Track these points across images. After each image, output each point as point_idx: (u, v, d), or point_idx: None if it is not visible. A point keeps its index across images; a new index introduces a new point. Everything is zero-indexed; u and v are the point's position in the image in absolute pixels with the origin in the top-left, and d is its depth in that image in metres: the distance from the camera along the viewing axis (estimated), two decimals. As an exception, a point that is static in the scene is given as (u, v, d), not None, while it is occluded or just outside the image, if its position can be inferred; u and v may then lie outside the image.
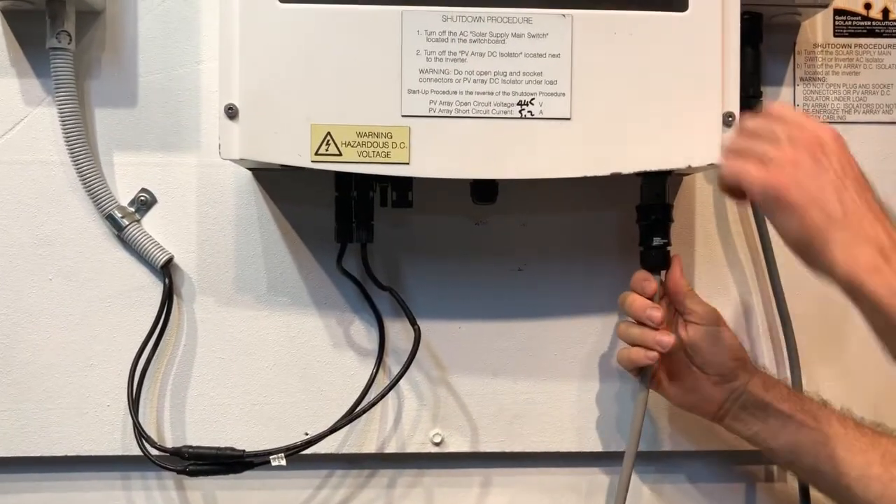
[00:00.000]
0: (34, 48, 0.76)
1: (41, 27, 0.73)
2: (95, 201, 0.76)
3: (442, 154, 0.65)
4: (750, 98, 0.77)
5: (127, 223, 0.76)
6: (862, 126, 0.82)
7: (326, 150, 0.65)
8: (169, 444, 0.77)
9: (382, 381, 0.78)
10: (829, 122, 0.81)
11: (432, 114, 0.65)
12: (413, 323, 0.76)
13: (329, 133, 0.65)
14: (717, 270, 0.81)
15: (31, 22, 0.75)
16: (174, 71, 0.78)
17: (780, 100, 0.82)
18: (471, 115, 0.65)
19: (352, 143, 0.65)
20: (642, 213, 0.74)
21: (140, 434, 0.74)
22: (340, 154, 0.65)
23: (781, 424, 0.69)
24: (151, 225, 0.78)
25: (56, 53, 0.73)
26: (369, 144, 0.65)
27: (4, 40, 0.77)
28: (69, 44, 0.73)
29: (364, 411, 0.76)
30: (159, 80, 0.78)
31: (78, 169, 0.75)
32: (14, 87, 0.77)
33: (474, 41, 0.65)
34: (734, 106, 0.67)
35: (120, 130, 0.78)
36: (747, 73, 0.75)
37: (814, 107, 0.82)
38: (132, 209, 0.78)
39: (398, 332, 0.79)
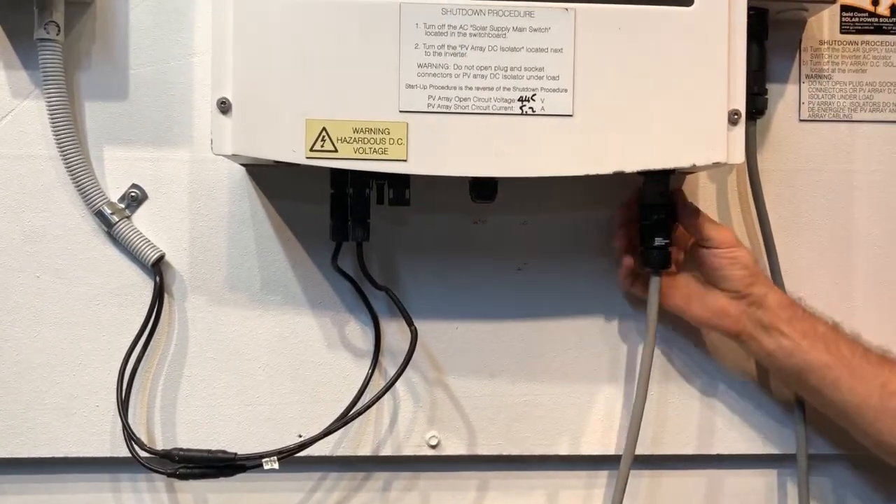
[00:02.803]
0: (22, 39, 0.75)
1: (29, 17, 0.72)
2: (84, 197, 0.75)
3: (440, 151, 0.64)
4: (755, 95, 0.76)
5: (117, 219, 0.75)
6: (868, 125, 0.81)
7: (322, 146, 0.64)
8: (159, 446, 0.76)
9: (378, 383, 0.77)
10: (836, 121, 0.81)
11: (431, 109, 0.64)
12: (409, 323, 0.75)
13: (324, 128, 0.64)
14: (719, 271, 0.80)
15: (19, 11, 0.73)
16: (166, 64, 0.77)
17: (786, 97, 0.80)
18: (470, 110, 0.64)
19: (348, 139, 0.64)
20: (644, 212, 0.73)
21: (129, 436, 0.73)
22: (336, 150, 0.64)
23: (794, 346, 0.72)
24: (142, 221, 0.77)
25: (44, 45, 0.72)
26: (366, 140, 0.64)
27: (-9, 31, 0.76)
28: (58, 35, 0.72)
29: (359, 413, 0.75)
30: (151, 72, 0.77)
31: (67, 163, 0.74)
32: (1, 79, 0.76)
33: (474, 35, 0.64)
34: (740, 103, 0.66)
35: (110, 124, 0.76)
36: (752, 70, 0.74)
37: (819, 105, 0.81)
38: (122, 205, 0.76)
39: (394, 332, 0.78)
